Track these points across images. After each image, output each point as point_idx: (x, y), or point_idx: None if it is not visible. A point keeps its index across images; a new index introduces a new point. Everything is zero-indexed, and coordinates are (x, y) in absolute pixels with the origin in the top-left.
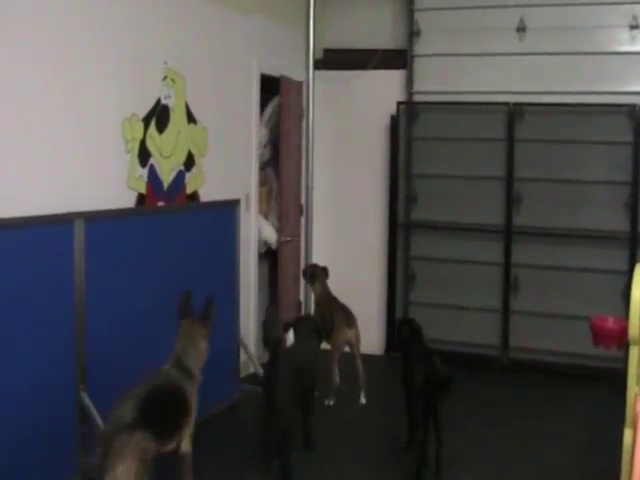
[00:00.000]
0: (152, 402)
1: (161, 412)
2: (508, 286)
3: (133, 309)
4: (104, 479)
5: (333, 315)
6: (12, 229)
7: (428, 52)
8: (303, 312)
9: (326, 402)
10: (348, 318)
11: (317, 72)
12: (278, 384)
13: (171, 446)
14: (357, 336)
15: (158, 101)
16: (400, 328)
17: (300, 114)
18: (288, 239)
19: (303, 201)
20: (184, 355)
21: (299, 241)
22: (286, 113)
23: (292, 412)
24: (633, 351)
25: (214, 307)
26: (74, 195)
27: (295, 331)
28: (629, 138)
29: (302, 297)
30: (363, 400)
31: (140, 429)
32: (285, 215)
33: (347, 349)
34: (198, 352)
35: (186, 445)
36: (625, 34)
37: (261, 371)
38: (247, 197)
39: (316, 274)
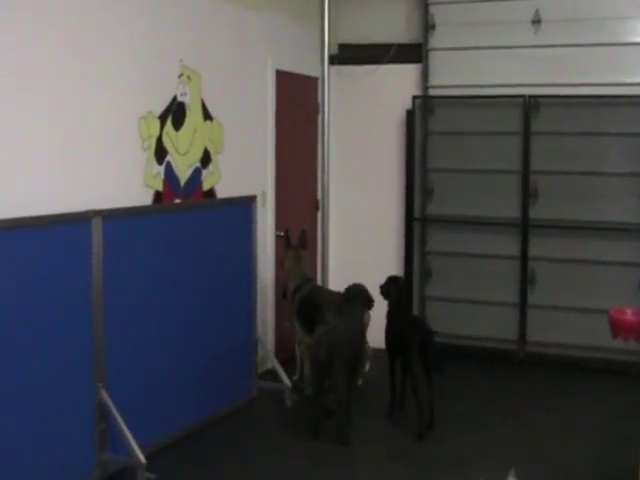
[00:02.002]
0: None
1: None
2: (525, 280)
3: (151, 306)
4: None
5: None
6: (31, 228)
7: (443, 46)
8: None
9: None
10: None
11: (332, 67)
12: (334, 366)
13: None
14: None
15: (174, 98)
16: (388, 287)
17: (315, 109)
18: (281, 234)
19: (319, 197)
20: (305, 267)
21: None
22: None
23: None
24: None
25: (307, 236)
26: (91, 193)
27: (346, 303)
28: None
29: None
30: None
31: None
32: (280, 209)
33: None
34: (307, 263)
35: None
36: None
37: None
38: (263, 194)
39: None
